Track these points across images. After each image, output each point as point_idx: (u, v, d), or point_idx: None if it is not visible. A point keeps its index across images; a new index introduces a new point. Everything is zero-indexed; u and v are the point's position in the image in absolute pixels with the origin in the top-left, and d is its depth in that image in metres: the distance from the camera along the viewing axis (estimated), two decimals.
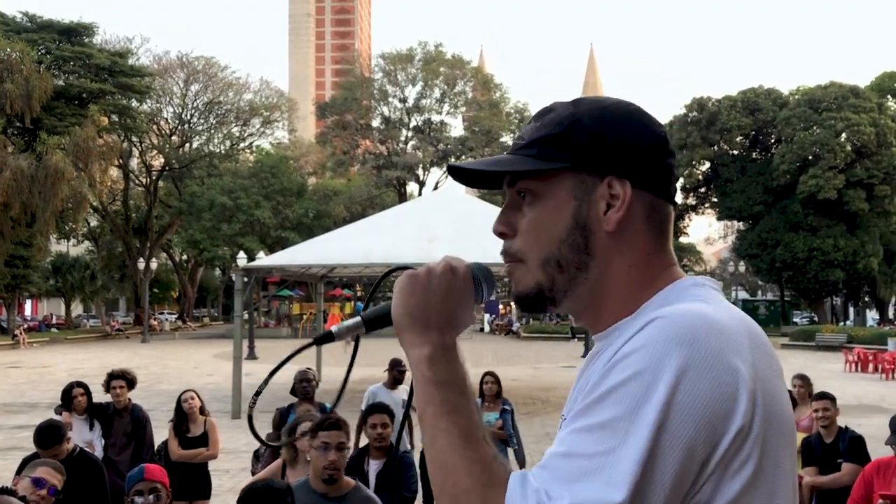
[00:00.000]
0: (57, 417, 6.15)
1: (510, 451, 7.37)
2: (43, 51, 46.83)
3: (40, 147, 40.02)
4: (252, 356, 29.02)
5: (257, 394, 1.15)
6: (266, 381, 1.16)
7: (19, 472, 4.58)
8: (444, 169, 61.08)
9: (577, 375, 1.17)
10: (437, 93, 60.58)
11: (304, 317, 50.68)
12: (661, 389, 0.87)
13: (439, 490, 0.95)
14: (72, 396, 6.56)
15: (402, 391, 7.62)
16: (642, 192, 1.04)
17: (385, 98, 60.33)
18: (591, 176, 1.03)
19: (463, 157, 61.38)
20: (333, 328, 1.12)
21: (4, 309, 45.92)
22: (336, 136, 59.90)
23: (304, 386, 6.22)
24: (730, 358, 0.90)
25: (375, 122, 61.44)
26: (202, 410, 6.68)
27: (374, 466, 4.87)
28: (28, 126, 41.94)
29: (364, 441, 5.16)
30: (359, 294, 52.84)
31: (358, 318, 1.12)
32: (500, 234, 1.09)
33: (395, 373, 7.65)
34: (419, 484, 7.16)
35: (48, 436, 4.72)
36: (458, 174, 1.14)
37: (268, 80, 65.23)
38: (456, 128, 62.74)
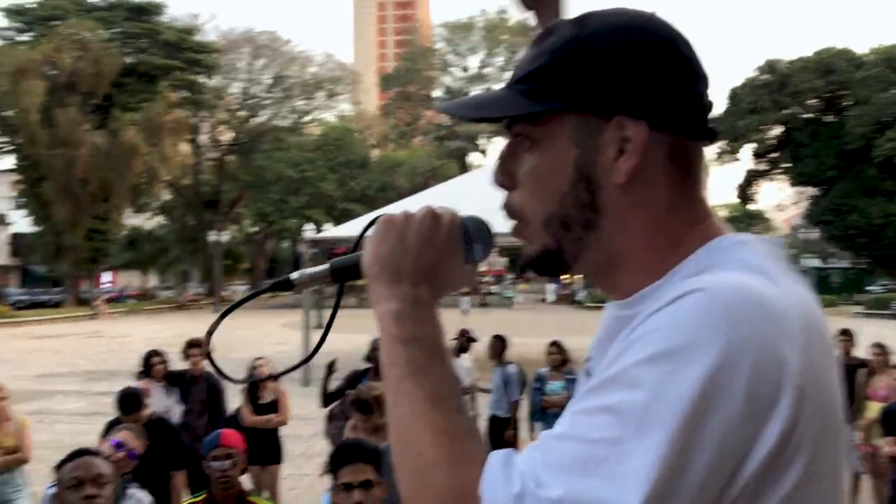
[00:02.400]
0: (137, 384, 6.41)
1: None
2: (114, 29, 48.08)
3: (114, 123, 41.33)
4: (320, 325, 29.63)
5: (209, 333, 1.05)
6: (218, 322, 1.04)
7: (105, 434, 4.87)
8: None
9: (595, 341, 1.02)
10: (499, 61, 60.16)
11: None
12: (690, 378, 0.70)
13: (399, 461, 0.81)
14: (150, 364, 6.82)
15: (465, 359, 7.84)
16: (663, 133, 0.84)
17: (447, 68, 60.20)
18: (596, 116, 0.84)
19: None
20: (294, 274, 1.00)
21: (85, 281, 47.76)
22: (399, 108, 60.16)
23: (377, 354, 6.36)
24: (776, 345, 0.73)
25: (438, 93, 61.40)
26: (273, 377, 6.88)
27: None
28: (101, 103, 43.27)
29: None
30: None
31: (325, 266, 1.00)
32: (500, 186, 0.93)
33: (464, 340, 7.86)
34: None
35: (128, 402, 4.98)
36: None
37: (331, 53, 65.78)
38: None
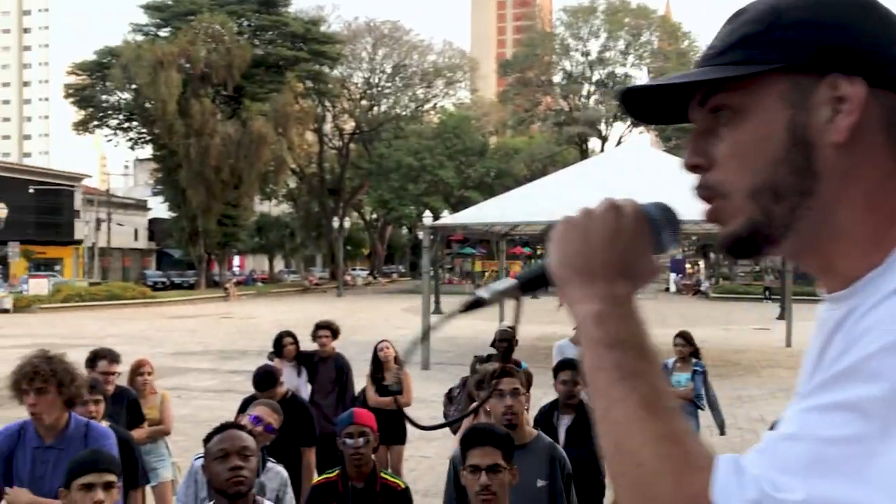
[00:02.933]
0: (269, 363, 6.65)
1: (700, 414, 7.24)
2: (244, 22, 50.06)
3: (244, 113, 43.08)
4: (438, 311, 30.06)
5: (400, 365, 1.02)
6: (410, 352, 1.00)
7: (242, 410, 5.10)
8: (628, 123, 59.55)
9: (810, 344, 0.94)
10: (621, 44, 58.94)
11: (486, 274, 51.66)
12: None
13: (617, 472, 0.77)
14: (282, 345, 7.07)
15: None
16: (880, 91, 0.78)
17: (567, 52, 59.44)
18: (807, 76, 0.79)
19: None
20: (484, 292, 0.98)
21: (216, 264, 50.17)
22: (517, 94, 59.89)
23: (502, 345, 6.40)
24: None
25: (557, 78, 60.74)
26: (396, 360, 7.00)
27: (564, 421, 4.94)
28: (231, 94, 45.20)
29: (553, 396, 5.23)
30: (538, 253, 52.90)
31: (513, 280, 0.98)
32: (693, 168, 0.87)
33: None
34: None
35: (265, 380, 5.18)
36: (634, 100, 0.91)
37: (450, 41, 66.25)
38: (641, 80, 60.81)
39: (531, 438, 3.64)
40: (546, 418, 4.96)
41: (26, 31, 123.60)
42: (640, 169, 16.62)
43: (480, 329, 11.20)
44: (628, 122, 59.84)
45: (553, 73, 60.54)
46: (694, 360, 7.23)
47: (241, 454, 2.83)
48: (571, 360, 5.30)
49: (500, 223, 18.61)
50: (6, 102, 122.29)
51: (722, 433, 7.33)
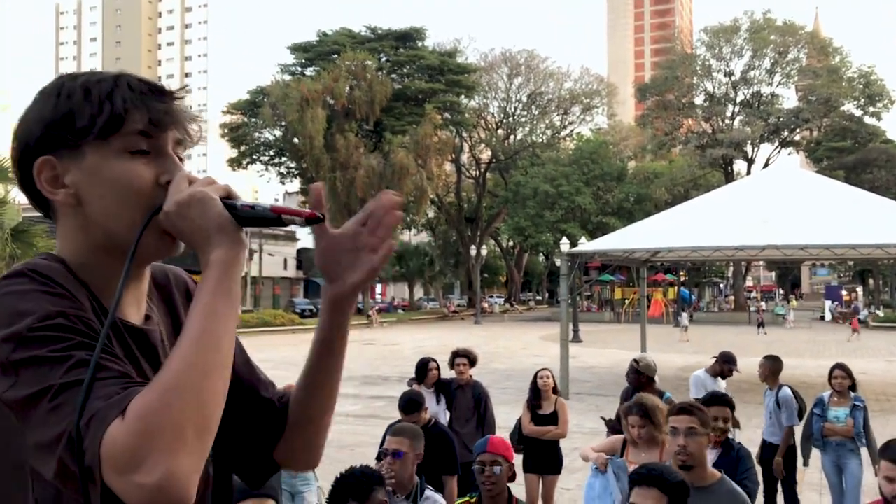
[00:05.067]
0: (413, 389, 6.73)
1: (863, 451, 6.75)
2: (383, 58, 51.84)
3: (386, 146, 44.46)
4: (577, 339, 29.62)
5: None
6: None
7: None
8: (776, 144, 56.93)
9: None
10: (766, 63, 56.68)
11: (627, 301, 50.50)
12: None
13: None
14: (427, 369, 7.16)
15: (723, 384, 7.41)
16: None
17: (709, 73, 57.74)
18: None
19: (797, 129, 56.71)
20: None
21: (360, 292, 51.80)
22: (657, 117, 58.65)
23: (632, 377, 6.28)
24: None
25: (698, 100, 59.06)
26: (555, 390, 6.95)
27: (709, 457, 4.78)
28: (373, 128, 46.81)
29: None
30: (682, 279, 51.19)
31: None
32: None
33: (726, 367, 7.43)
34: (760, 477, 6.85)
35: (411, 404, 5.30)
36: None
37: (587, 67, 65.91)
38: (788, 99, 58.24)
39: (713, 481, 3.42)
40: None
41: (187, 75, 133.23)
42: (789, 191, 15.89)
43: (620, 359, 10.98)
44: (776, 143, 57.31)
45: (694, 95, 58.93)
46: (853, 395, 6.78)
47: None
48: (721, 395, 5.11)
49: (641, 249, 18.23)
50: None
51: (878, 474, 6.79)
